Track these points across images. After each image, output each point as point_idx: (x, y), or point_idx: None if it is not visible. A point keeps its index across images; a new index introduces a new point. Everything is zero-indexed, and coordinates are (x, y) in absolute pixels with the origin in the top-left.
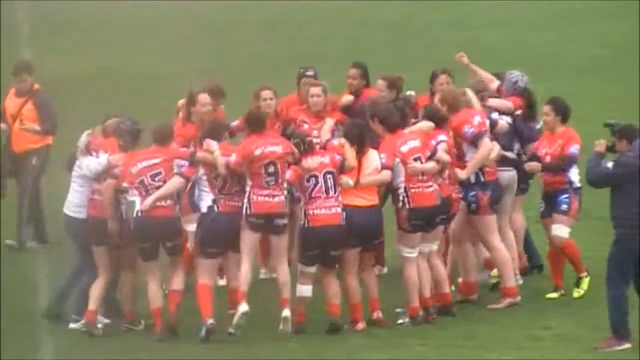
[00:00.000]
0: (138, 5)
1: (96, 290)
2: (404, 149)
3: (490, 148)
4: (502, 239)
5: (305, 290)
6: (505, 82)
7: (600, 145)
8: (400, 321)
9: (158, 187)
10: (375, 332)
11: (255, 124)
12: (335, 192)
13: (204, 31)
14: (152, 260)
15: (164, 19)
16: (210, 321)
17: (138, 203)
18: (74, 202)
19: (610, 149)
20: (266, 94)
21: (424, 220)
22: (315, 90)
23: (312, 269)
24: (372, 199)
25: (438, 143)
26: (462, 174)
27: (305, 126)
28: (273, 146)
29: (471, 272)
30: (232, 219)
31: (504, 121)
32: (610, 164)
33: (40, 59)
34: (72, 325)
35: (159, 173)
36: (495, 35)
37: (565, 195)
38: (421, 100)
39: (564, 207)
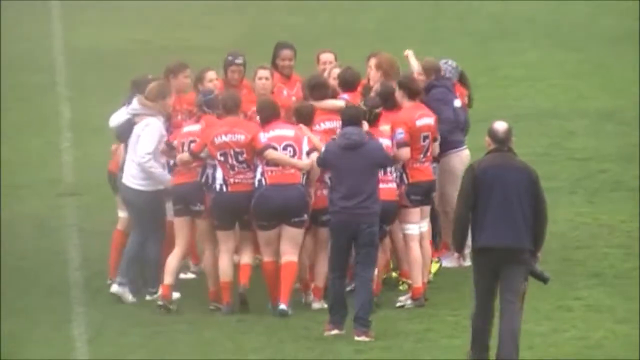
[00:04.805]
0: None
1: (172, 264)
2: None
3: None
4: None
5: None
6: (448, 70)
7: None
8: (400, 304)
9: (242, 164)
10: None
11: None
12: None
13: (238, 3)
14: (227, 230)
15: None
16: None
17: (219, 177)
18: (137, 175)
19: None
20: (211, 74)
21: (422, 195)
22: (263, 72)
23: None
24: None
25: None
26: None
27: (258, 117)
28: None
29: None
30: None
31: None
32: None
33: (71, 32)
34: (148, 298)
35: (242, 152)
36: (529, 5)
37: None
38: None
39: None
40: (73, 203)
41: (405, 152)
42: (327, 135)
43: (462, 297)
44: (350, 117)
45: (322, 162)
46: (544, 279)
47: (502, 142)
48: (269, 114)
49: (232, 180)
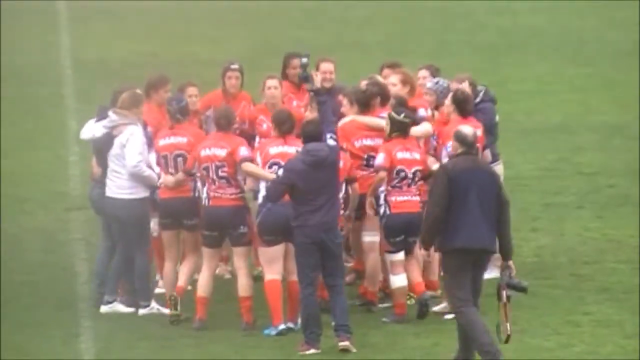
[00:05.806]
0: None
1: (169, 277)
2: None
3: None
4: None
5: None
6: (440, 90)
7: None
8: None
9: (222, 179)
10: (412, 319)
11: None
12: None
13: (246, 17)
14: (215, 247)
15: (206, 4)
16: (282, 327)
17: (205, 191)
18: (125, 184)
19: None
20: (192, 90)
21: None
22: (272, 82)
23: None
24: None
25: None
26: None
27: (265, 126)
28: None
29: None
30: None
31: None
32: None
33: (79, 44)
34: (141, 312)
35: (223, 166)
36: (539, 20)
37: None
38: None
39: None
40: (81, 217)
41: None
42: (362, 153)
43: None
44: (312, 133)
45: (287, 182)
46: (522, 289)
47: (471, 146)
48: (286, 128)
49: (212, 194)
